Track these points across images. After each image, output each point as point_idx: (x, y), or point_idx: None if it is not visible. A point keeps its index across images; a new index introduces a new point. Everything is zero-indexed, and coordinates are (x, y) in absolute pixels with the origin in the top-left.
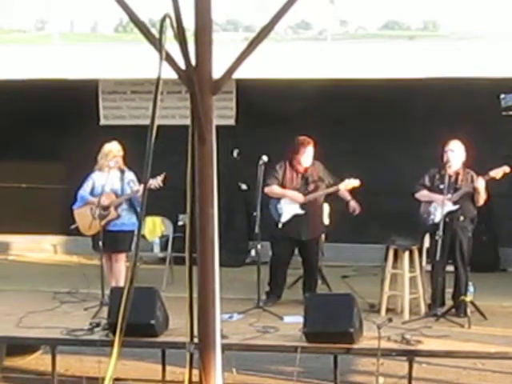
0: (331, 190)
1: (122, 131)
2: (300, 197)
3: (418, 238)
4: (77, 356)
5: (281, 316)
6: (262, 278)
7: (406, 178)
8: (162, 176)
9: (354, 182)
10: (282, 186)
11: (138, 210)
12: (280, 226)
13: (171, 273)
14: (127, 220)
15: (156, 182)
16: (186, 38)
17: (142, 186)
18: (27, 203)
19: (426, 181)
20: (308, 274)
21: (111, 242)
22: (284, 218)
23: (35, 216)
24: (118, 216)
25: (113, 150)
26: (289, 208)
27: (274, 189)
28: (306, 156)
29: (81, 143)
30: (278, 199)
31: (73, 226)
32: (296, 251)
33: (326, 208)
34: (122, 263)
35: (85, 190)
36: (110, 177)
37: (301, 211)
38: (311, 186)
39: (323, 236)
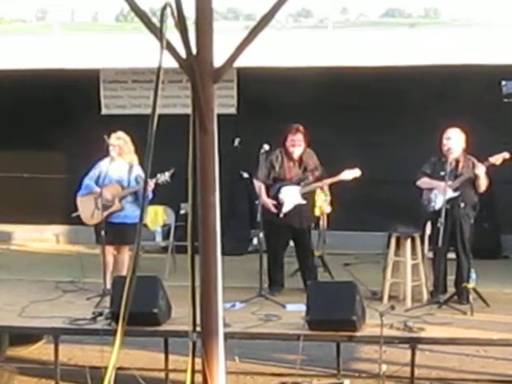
0: (332, 180)
1: (123, 120)
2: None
3: (420, 226)
4: (79, 345)
5: (283, 304)
6: (264, 267)
7: (407, 166)
8: (171, 171)
9: (354, 173)
10: (281, 176)
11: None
12: (281, 215)
13: (173, 262)
14: (131, 212)
15: (164, 178)
16: (186, 26)
17: (154, 180)
18: (29, 193)
19: (427, 168)
20: (306, 262)
21: (114, 234)
22: (286, 208)
23: (37, 206)
24: (122, 208)
25: (111, 137)
26: (291, 198)
27: (259, 188)
28: (297, 143)
29: (82, 133)
30: (279, 188)
31: (74, 214)
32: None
33: (328, 195)
34: (125, 255)
35: (90, 178)
36: (116, 167)
37: (303, 201)
38: (309, 175)
39: (325, 224)
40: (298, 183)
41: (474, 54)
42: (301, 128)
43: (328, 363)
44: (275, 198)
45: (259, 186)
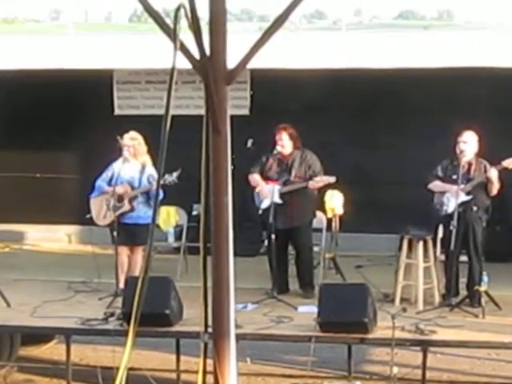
0: (300, 185)
1: (136, 121)
2: (267, 194)
3: (432, 228)
4: (91, 346)
5: (295, 306)
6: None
7: (420, 168)
8: (178, 172)
9: (326, 179)
10: (263, 173)
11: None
12: (260, 212)
13: (185, 262)
14: (143, 213)
15: (171, 178)
16: (200, 27)
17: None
18: (42, 193)
19: (439, 171)
20: (298, 263)
21: (127, 235)
22: (263, 205)
23: (50, 206)
24: (132, 209)
25: (124, 138)
26: (270, 196)
27: (252, 177)
28: (280, 142)
29: (95, 133)
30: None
31: (88, 216)
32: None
33: (340, 197)
34: (138, 255)
35: (103, 180)
36: (129, 168)
37: (278, 201)
38: (292, 175)
39: (337, 226)
40: (280, 182)
41: (487, 57)
42: (286, 127)
43: (339, 365)
44: (258, 194)
45: (252, 176)
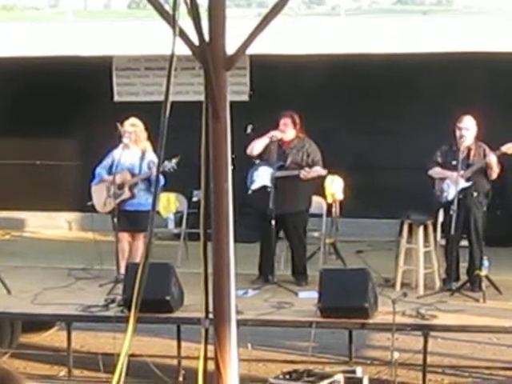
0: (292, 173)
1: (135, 107)
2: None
3: (433, 213)
4: (92, 332)
5: (296, 291)
6: (277, 254)
7: (420, 154)
8: (177, 159)
9: (317, 171)
10: (263, 156)
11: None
12: (250, 192)
13: (186, 249)
14: (144, 200)
15: (170, 165)
16: (199, 13)
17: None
18: (42, 180)
19: (438, 158)
20: (292, 250)
21: (128, 221)
22: (254, 186)
23: (50, 193)
24: (133, 196)
25: (125, 125)
26: (261, 178)
27: (248, 149)
28: (282, 127)
29: (95, 120)
30: (257, 167)
31: (89, 203)
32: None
33: (340, 182)
34: (139, 242)
35: (103, 167)
36: (129, 155)
37: (269, 184)
38: (288, 161)
39: (338, 211)
40: (275, 166)
41: (486, 42)
42: (292, 114)
43: (340, 350)
44: (251, 174)
45: (249, 149)
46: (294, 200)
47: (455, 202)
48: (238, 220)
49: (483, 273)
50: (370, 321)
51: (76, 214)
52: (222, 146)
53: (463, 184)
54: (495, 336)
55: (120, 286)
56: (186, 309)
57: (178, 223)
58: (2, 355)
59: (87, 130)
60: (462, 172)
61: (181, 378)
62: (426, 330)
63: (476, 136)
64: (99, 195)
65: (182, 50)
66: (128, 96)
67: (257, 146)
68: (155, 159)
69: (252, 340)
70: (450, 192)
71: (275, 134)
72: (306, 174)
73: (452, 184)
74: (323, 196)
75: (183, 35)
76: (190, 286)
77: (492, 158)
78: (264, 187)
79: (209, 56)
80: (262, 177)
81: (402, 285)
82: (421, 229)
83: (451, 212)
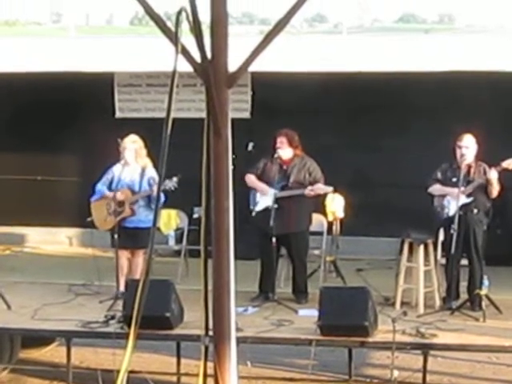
0: (296, 192)
1: (137, 124)
2: (267, 191)
3: (433, 232)
4: (92, 348)
5: (296, 309)
6: (278, 271)
7: (421, 172)
8: (178, 177)
9: (323, 189)
10: (260, 176)
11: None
12: (254, 214)
13: (186, 265)
14: (144, 217)
15: (171, 184)
16: (201, 31)
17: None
18: (42, 196)
19: (439, 175)
20: (294, 270)
21: (128, 238)
22: (258, 208)
23: (50, 208)
24: (133, 213)
25: (125, 141)
26: (264, 200)
27: (248, 177)
28: (278, 147)
29: (96, 136)
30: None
31: (89, 219)
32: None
33: (341, 200)
34: (139, 258)
35: (103, 183)
36: (129, 171)
37: (273, 205)
38: (291, 180)
39: (338, 229)
40: (277, 186)
41: (488, 60)
42: (287, 132)
43: (340, 369)
44: (254, 195)
45: (249, 177)
46: (297, 219)
47: (456, 218)
48: (238, 237)
49: (483, 292)
50: (370, 339)
51: (76, 230)
52: (223, 163)
53: (464, 200)
54: (495, 355)
55: (120, 303)
56: (186, 326)
57: (179, 240)
58: (1, 370)
59: (88, 146)
60: (462, 188)
61: None
62: (425, 348)
63: (476, 155)
64: (99, 212)
65: (184, 66)
66: (130, 112)
67: (249, 181)
68: (155, 176)
69: (252, 357)
70: (451, 208)
71: (277, 155)
72: (310, 192)
73: (453, 200)
74: (324, 214)
75: (185, 52)
76: (190, 302)
77: (493, 174)
78: (267, 208)
79: (211, 73)
80: (265, 198)
81: (402, 303)
82: (421, 247)
83: (451, 231)
